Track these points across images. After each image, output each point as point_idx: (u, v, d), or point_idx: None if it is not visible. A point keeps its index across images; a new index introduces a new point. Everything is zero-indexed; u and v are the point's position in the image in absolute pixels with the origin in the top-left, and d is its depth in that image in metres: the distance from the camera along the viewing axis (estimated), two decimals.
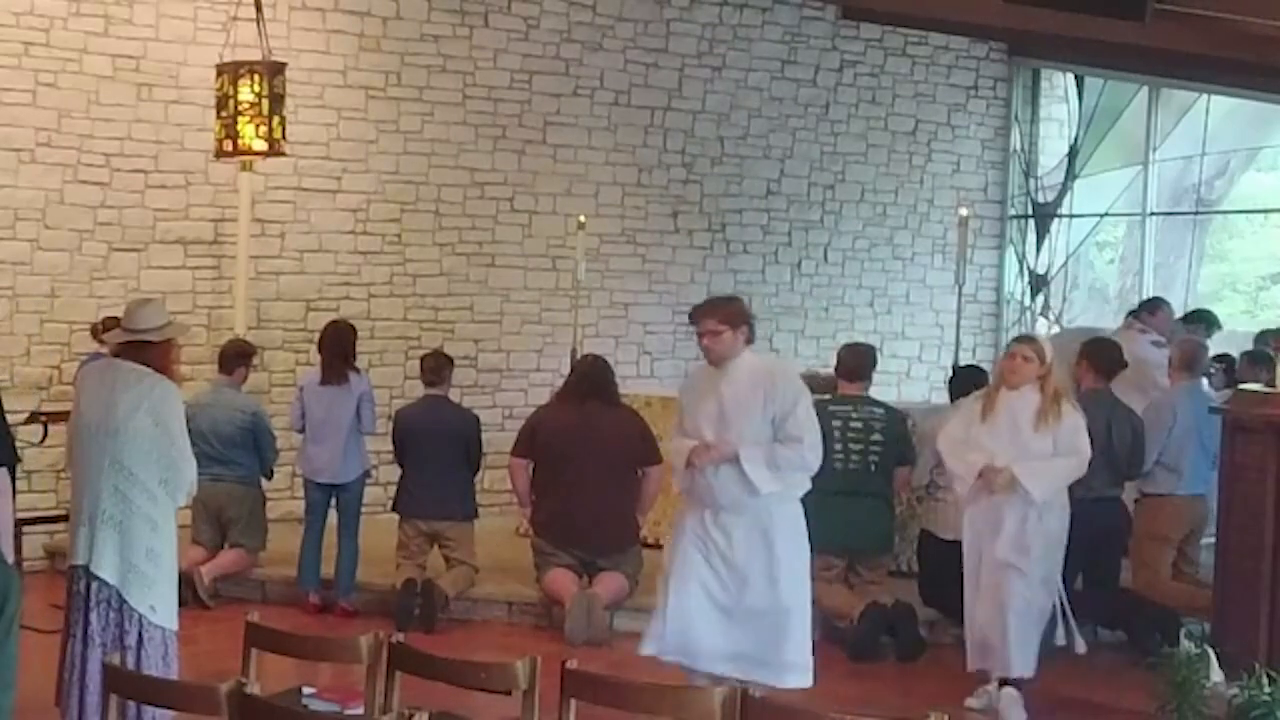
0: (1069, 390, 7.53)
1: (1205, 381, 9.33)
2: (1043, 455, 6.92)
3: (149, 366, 5.86)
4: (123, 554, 5.81)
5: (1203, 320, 10.61)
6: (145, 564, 5.83)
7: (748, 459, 6.25)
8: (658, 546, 9.58)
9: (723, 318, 6.34)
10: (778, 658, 6.39)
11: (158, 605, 5.87)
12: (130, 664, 5.67)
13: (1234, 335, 12.70)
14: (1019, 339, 7.33)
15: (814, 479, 8.38)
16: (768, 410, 6.29)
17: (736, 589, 6.39)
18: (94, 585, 5.83)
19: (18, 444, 8.96)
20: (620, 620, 8.40)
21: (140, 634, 5.83)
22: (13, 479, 5.33)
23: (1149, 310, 10.13)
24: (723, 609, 6.42)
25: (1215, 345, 10.05)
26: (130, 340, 5.91)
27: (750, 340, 6.44)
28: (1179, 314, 10.60)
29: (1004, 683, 7.00)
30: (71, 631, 5.92)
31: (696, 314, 6.49)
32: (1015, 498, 6.89)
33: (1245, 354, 9.28)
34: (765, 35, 12.64)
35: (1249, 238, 13.73)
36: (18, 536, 7.95)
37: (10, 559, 5.26)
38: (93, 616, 5.84)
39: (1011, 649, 6.94)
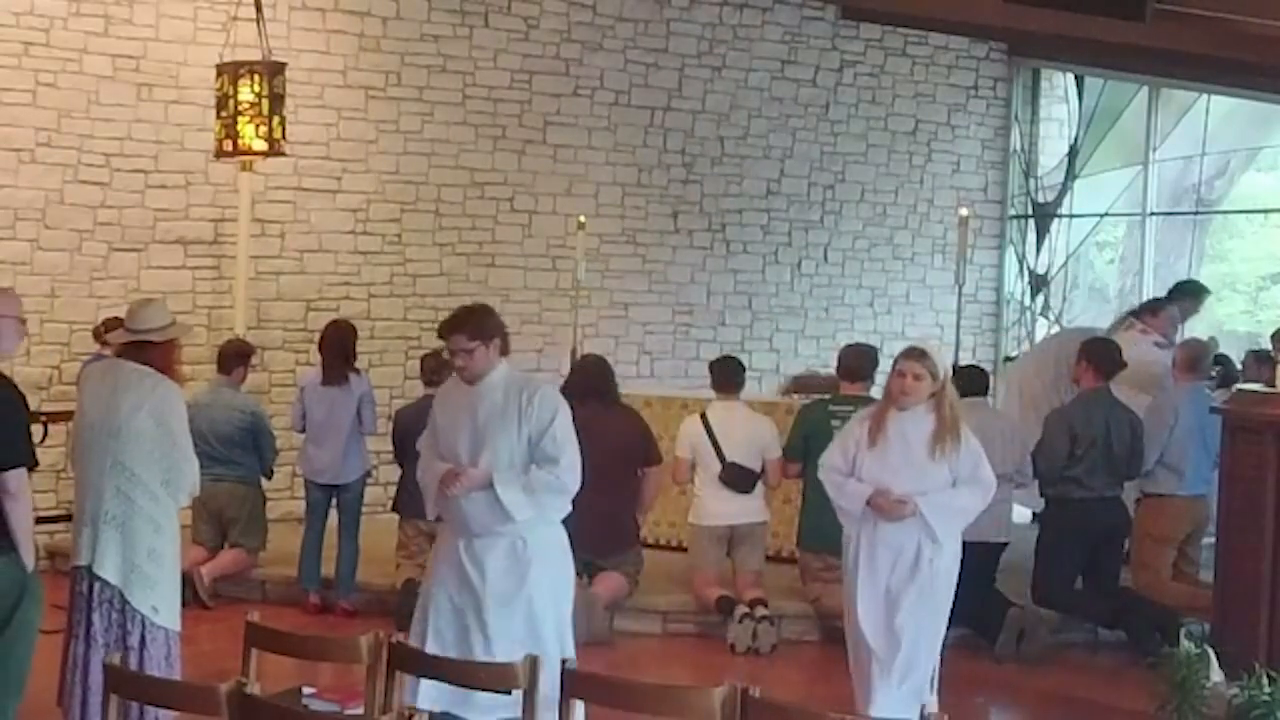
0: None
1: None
2: (941, 485, 6.20)
3: (151, 367, 5.88)
4: (125, 555, 5.82)
5: (1189, 292, 10.63)
6: (148, 564, 5.83)
7: (501, 484, 5.85)
8: (658, 546, 9.62)
9: (472, 333, 5.85)
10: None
11: (160, 606, 5.87)
12: (133, 664, 5.68)
13: (1234, 335, 12.72)
14: (908, 354, 6.28)
15: (813, 479, 8.43)
16: (523, 429, 5.87)
17: (490, 621, 5.92)
18: (96, 586, 5.84)
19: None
20: (620, 620, 8.41)
21: (143, 634, 5.84)
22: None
23: (1150, 311, 10.08)
24: (479, 642, 5.93)
25: (1208, 337, 10.08)
26: (132, 340, 5.92)
27: (504, 351, 5.97)
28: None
29: None
30: (74, 632, 5.93)
31: (444, 331, 5.98)
32: (912, 530, 6.21)
33: (1250, 352, 9.29)
34: (765, 35, 12.64)
35: (1249, 238, 13.73)
36: None
37: (30, 565, 5.25)
38: (95, 617, 5.84)
39: (875, 693, 6.32)
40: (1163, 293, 11.06)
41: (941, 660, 6.52)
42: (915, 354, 6.23)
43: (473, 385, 5.92)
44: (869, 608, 6.32)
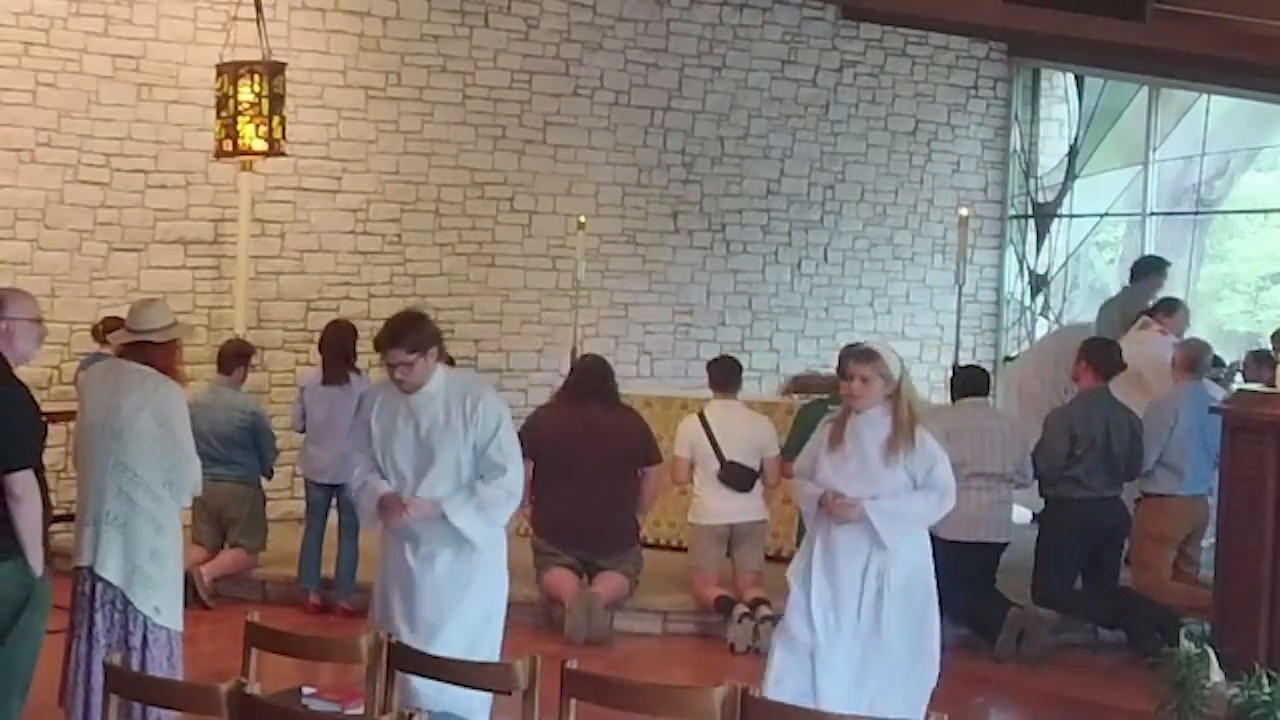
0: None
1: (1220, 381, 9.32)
2: (895, 490, 5.94)
3: (153, 367, 5.87)
4: (127, 555, 5.82)
5: (1153, 268, 10.73)
6: (149, 565, 5.83)
7: (454, 513, 5.72)
8: (658, 546, 9.63)
9: (411, 346, 5.64)
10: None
11: (162, 606, 5.87)
12: (135, 665, 5.68)
13: (1234, 335, 12.72)
14: (856, 356, 5.96)
15: None
16: (469, 437, 5.72)
17: (431, 628, 5.79)
18: (99, 586, 5.84)
19: None
20: (620, 620, 8.41)
21: (145, 635, 5.84)
22: (42, 484, 5.30)
23: (1166, 311, 10.02)
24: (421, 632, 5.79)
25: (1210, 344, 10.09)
26: (134, 341, 5.92)
27: (442, 357, 5.81)
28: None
29: None
30: (76, 633, 5.93)
31: (382, 344, 5.77)
32: (864, 536, 5.94)
33: (1250, 353, 9.29)
34: (765, 35, 12.64)
35: (1249, 238, 13.73)
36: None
37: (39, 570, 5.24)
38: (98, 618, 5.84)
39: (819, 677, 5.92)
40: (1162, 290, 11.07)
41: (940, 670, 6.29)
42: (862, 356, 5.94)
43: (411, 395, 5.75)
44: (821, 615, 6.01)
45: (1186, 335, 10.21)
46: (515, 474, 5.84)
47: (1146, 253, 12.09)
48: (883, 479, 5.92)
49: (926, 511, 6.02)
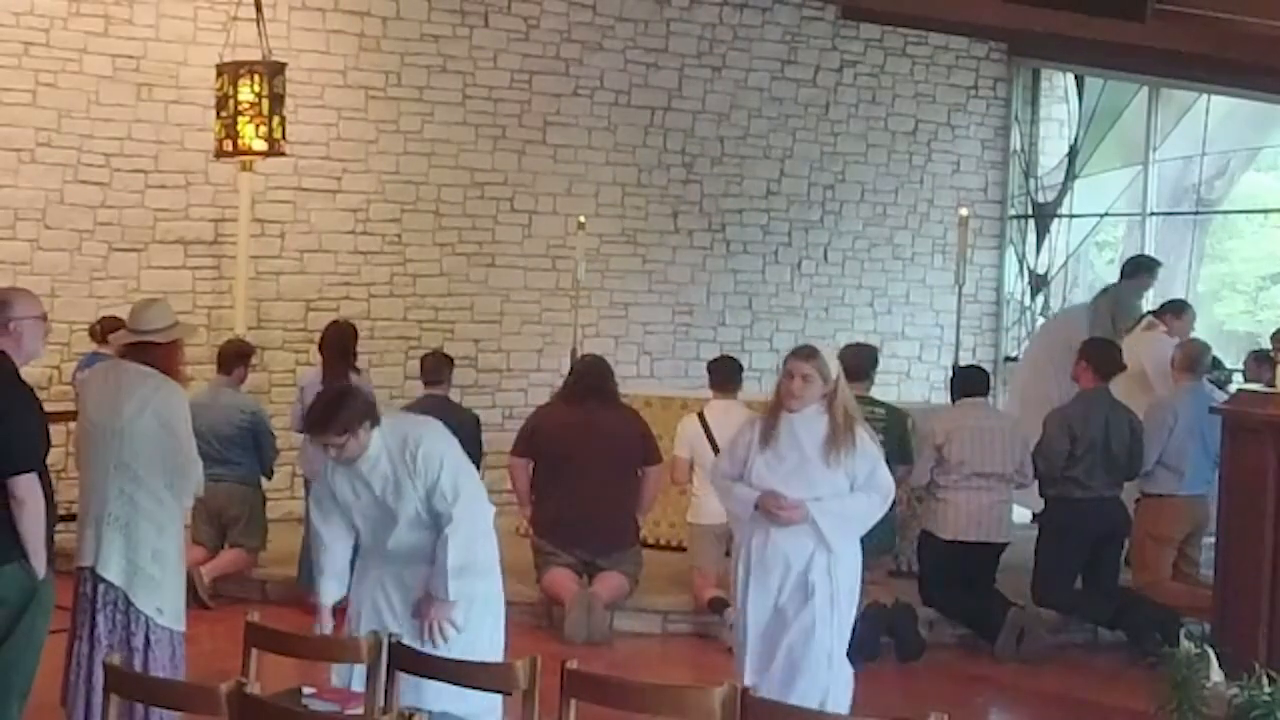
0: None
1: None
2: (836, 491, 5.84)
3: (154, 367, 5.86)
4: (128, 556, 5.82)
5: (1144, 268, 10.73)
6: (151, 566, 5.83)
7: (439, 592, 5.55)
8: (658, 546, 9.63)
9: (339, 429, 5.48)
10: None
11: (164, 607, 5.87)
12: (137, 666, 5.68)
13: (1234, 335, 12.72)
14: (796, 353, 5.91)
15: None
16: (417, 488, 5.56)
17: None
18: (100, 587, 5.84)
19: None
20: (620, 620, 8.41)
21: (147, 636, 5.84)
22: (47, 485, 5.30)
23: (1174, 313, 9.98)
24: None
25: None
26: (135, 341, 5.91)
27: (375, 420, 5.56)
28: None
29: None
30: (78, 633, 5.93)
31: (310, 432, 5.72)
32: (805, 538, 5.84)
33: (1251, 353, 9.29)
34: (765, 35, 12.64)
35: (1249, 238, 13.73)
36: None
37: (41, 572, 5.24)
38: (99, 619, 5.84)
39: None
40: (1163, 293, 11.09)
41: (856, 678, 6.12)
42: (803, 354, 5.88)
43: (355, 464, 5.61)
44: (758, 619, 5.94)
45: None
46: (466, 509, 5.61)
47: (1148, 253, 12.09)
48: (823, 480, 5.82)
49: (869, 513, 5.93)
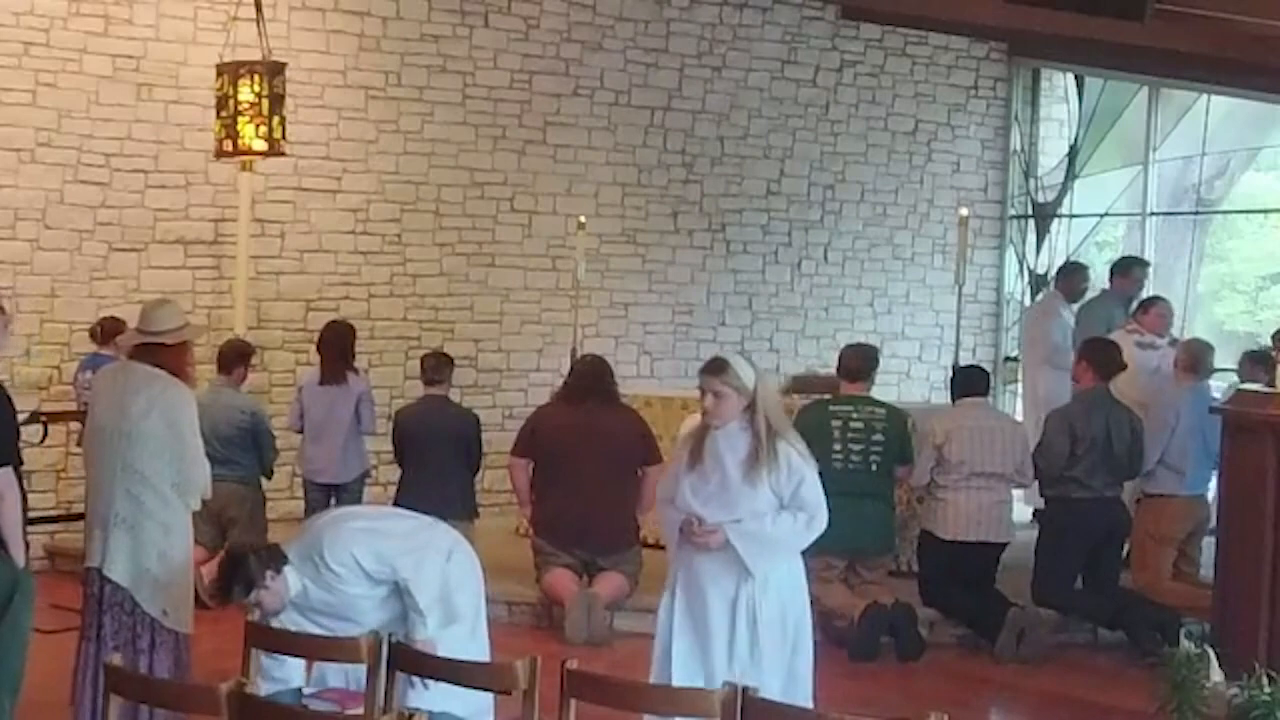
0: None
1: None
2: (759, 511, 5.46)
3: (163, 368, 5.86)
4: (135, 557, 5.82)
5: (1135, 264, 10.76)
6: (157, 567, 5.84)
7: (418, 634, 5.43)
8: (658, 547, 9.62)
9: (245, 588, 5.39)
10: None
11: (170, 609, 5.88)
12: (143, 667, 5.68)
13: (1234, 335, 12.72)
14: (705, 368, 5.55)
15: None
16: (358, 587, 5.46)
17: None
18: (107, 588, 5.85)
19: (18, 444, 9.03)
20: (620, 620, 8.41)
21: (153, 637, 5.85)
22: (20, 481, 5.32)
23: (1142, 309, 9.98)
24: None
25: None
26: (144, 342, 5.91)
27: (279, 562, 5.45)
28: (1179, 311, 10.65)
29: None
30: (86, 634, 5.95)
31: (216, 603, 5.71)
32: (730, 564, 5.50)
33: (1246, 354, 9.28)
34: (765, 35, 12.64)
35: (1249, 238, 13.73)
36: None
37: (22, 562, 5.26)
38: (106, 619, 5.86)
39: None
40: (1163, 293, 11.09)
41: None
42: (713, 368, 5.49)
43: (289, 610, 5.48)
44: (681, 651, 5.60)
45: (1188, 336, 10.24)
46: (408, 568, 5.46)
47: (1146, 254, 12.11)
48: (744, 500, 5.44)
49: (793, 535, 5.51)
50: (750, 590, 5.48)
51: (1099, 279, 11.50)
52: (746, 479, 5.44)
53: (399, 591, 5.49)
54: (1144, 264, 10.98)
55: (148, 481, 5.80)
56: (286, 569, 5.42)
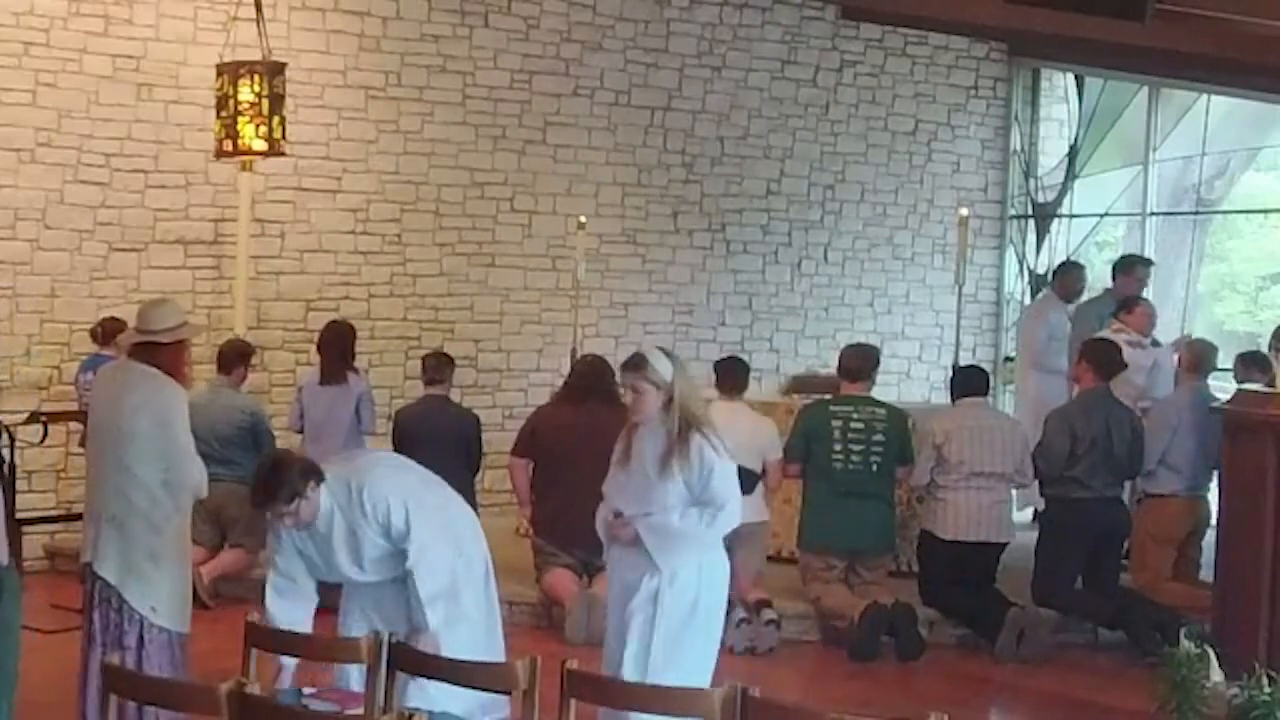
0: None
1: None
2: (669, 506, 5.48)
3: (159, 367, 5.88)
4: (124, 554, 5.85)
5: (1138, 263, 10.67)
6: (146, 564, 5.85)
7: (420, 623, 5.60)
8: None
9: (289, 495, 5.47)
10: None
11: (160, 606, 5.88)
12: (130, 664, 5.68)
13: (1234, 335, 12.72)
14: (624, 365, 5.62)
15: (814, 480, 8.44)
16: (375, 532, 5.60)
17: None
18: (98, 584, 5.91)
19: (18, 444, 9.05)
20: None
21: (141, 635, 5.85)
22: (11, 481, 5.35)
23: (1126, 309, 9.90)
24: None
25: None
26: (141, 341, 5.93)
27: (320, 478, 5.57)
28: (1179, 311, 10.64)
29: None
30: (83, 629, 6.00)
31: (257, 506, 5.70)
32: (640, 557, 5.55)
33: (1239, 356, 9.26)
34: (765, 35, 12.64)
35: (1249, 238, 13.74)
36: (19, 537, 7.96)
37: (4, 559, 5.26)
38: (95, 615, 5.92)
39: None
40: (1163, 293, 11.09)
41: None
42: (631, 365, 5.53)
43: (311, 527, 5.61)
44: (609, 642, 5.72)
45: (1188, 336, 10.23)
46: (419, 543, 5.58)
47: (1148, 253, 12.09)
48: (657, 494, 5.48)
49: (697, 528, 5.49)
50: (657, 583, 5.51)
51: (1099, 279, 11.50)
52: (660, 474, 5.47)
53: (400, 556, 5.60)
54: (1147, 262, 10.89)
55: (137, 479, 5.82)
56: (322, 486, 5.55)
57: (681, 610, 5.53)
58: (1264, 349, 8.98)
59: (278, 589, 5.72)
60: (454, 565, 5.76)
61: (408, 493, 5.71)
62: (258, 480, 5.62)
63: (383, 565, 5.70)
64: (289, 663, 5.40)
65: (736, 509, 5.58)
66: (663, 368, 5.49)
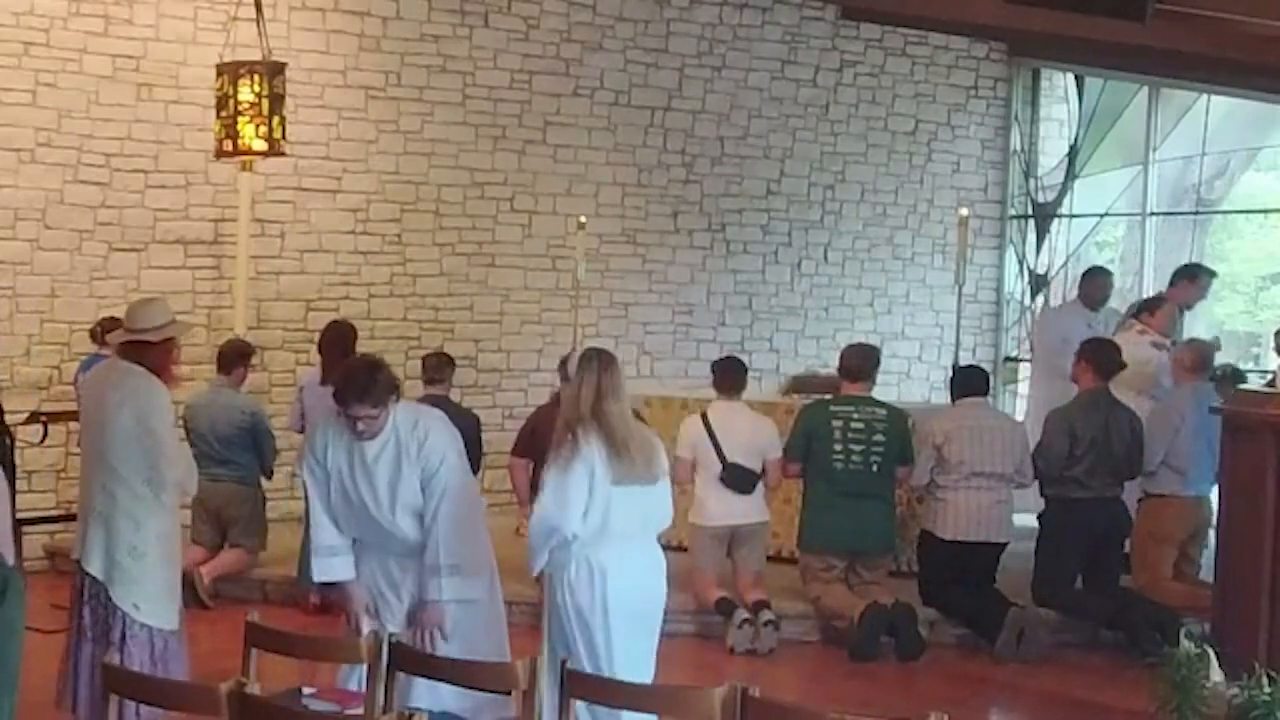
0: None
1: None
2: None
3: (146, 366, 5.91)
4: (108, 550, 5.91)
5: (1187, 275, 10.42)
6: (128, 561, 5.89)
7: (431, 593, 5.74)
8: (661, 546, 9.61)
9: (375, 401, 5.57)
10: None
11: (142, 603, 5.91)
12: (115, 659, 5.69)
13: (1234, 335, 12.73)
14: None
15: (814, 480, 8.44)
16: (416, 475, 5.67)
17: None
18: (86, 580, 5.97)
19: (18, 444, 9.04)
20: None
21: (124, 631, 5.89)
22: (11, 480, 5.33)
23: (1149, 310, 9.98)
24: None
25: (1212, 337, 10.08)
26: (130, 340, 5.95)
27: (398, 396, 5.70)
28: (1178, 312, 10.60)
29: None
30: (69, 624, 6.05)
31: (346, 399, 5.64)
32: None
33: (1219, 369, 9.19)
34: (765, 35, 12.64)
35: (1249, 238, 13.74)
36: (18, 538, 7.96)
37: (10, 559, 5.26)
38: (85, 610, 5.98)
39: None
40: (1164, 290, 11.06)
41: None
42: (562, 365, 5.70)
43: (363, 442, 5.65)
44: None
45: (1189, 336, 10.21)
46: (449, 511, 5.68)
47: (1148, 253, 12.09)
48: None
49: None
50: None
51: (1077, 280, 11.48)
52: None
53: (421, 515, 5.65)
54: (1211, 273, 10.68)
55: (119, 476, 5.86)
56: (395, 406, 5.62)
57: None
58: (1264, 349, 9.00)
59: (320, 535, 5.75)
60: (475, 545, 5.84)
61: (457, 463, 5.78)
62: (353, 376, 5.63)
63: (408, 519, 5.69)
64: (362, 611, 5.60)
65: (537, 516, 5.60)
66: (571, 365, 5.59)
